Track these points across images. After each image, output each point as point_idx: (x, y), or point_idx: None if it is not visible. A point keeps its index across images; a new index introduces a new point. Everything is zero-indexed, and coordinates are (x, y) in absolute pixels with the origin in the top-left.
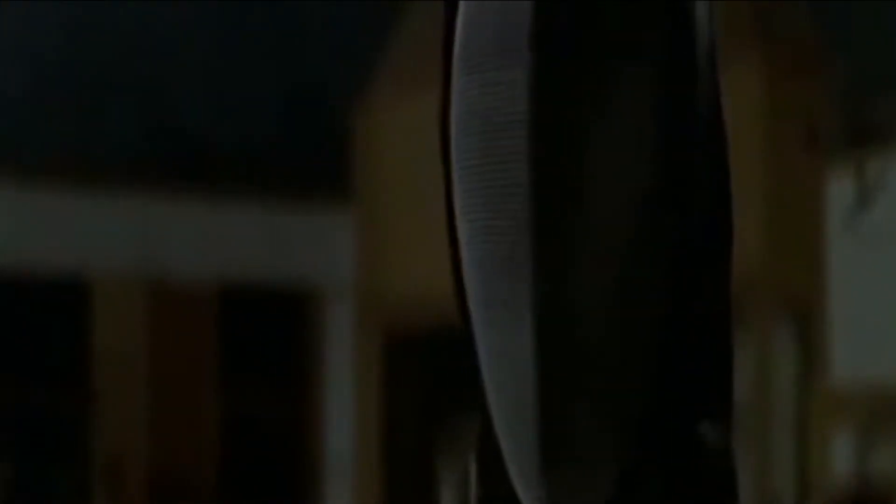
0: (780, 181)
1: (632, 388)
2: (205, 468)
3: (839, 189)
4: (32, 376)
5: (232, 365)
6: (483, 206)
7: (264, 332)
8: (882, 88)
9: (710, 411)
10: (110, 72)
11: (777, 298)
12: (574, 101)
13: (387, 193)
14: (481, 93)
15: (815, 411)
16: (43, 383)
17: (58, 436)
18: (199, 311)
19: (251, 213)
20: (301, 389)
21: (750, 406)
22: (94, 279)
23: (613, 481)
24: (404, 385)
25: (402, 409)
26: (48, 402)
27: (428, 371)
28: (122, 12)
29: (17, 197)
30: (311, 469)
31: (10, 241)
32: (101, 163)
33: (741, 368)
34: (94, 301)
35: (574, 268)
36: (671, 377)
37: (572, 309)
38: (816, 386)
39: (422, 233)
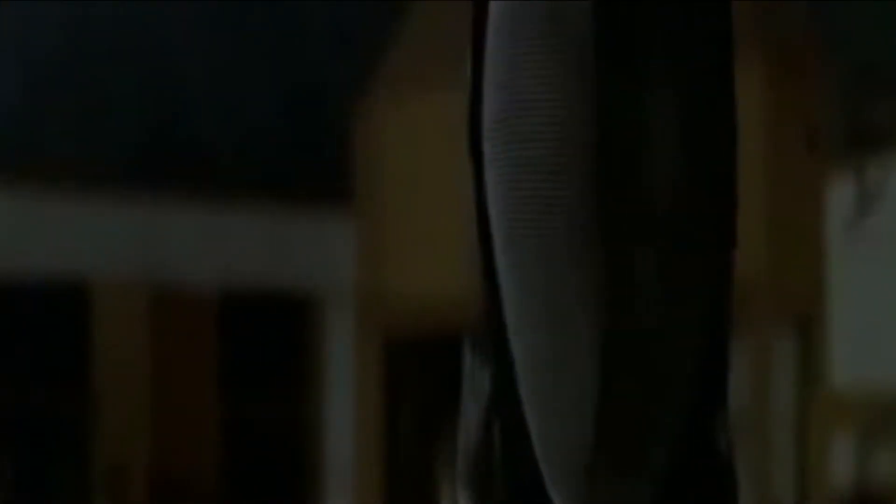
0: (781, 185)
1: (676, 396)
2: (206, 471)
3: (839, 193)
4: (34, 380)
5: (233, 368)
6: (524, 214)
7: (265, 335)
8: (882, 92)
9: (712, 414)
10: (111, 75)
11: (777, 302)
12: (634, 108)
13: (387, 197)
14: (523, 95)
15: (814, 415)
16: (45, 387)
17: (60, 439)
18: (200, 315)
19: (252, 216)
20: (301, 393)
21: (750, 409)
22: (96, 283)
23: (652, 490)
24: (404, 388)
25: (402, 413)
26: (50, 405)
27: (428, 374)
28: (123, 15)
29: (18, 200)
30: (312, 472)
31: (12, 245)
32: (102, 166)
33: (741, 372)
34: (96, 305)
35: (637, 282)
36: (702, 386)
37: (636, 321)
38: (816, 390)
39: (422, 236)
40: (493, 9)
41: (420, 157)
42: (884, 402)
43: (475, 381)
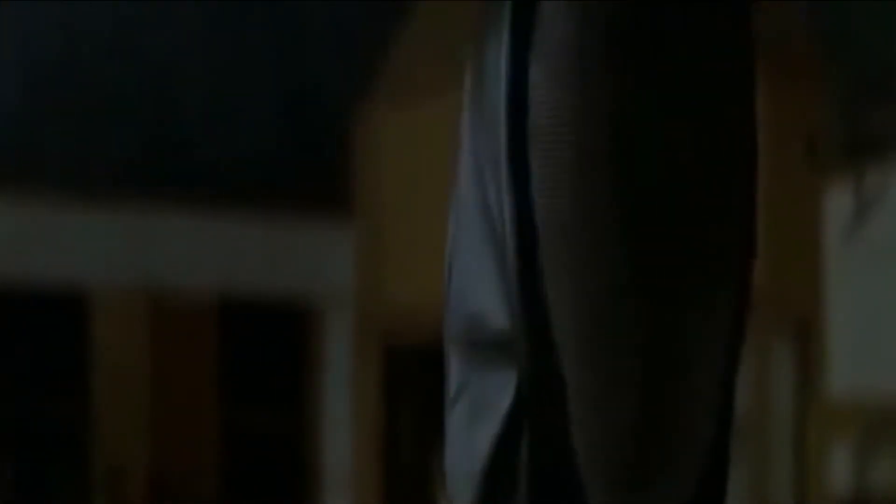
0: (780, 191)
1: (712, 401)
2: (204, 478)
3: (838, 199)
4: (34, 385)
5: (231, 376)
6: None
7: (264, 343)
8: (881, 99)
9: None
10: (109, 82)
11: (776, 308)
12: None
13: (386, 204)
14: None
15: (813, 421)
16: (44, 395)
17: (59, 443)
18: (198, 323)
19: (250, 224)
20: (300, 400)
21: (748, 417)
22: (94, 291)
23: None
24: (403, 396)
25: (400, 420)
26: (50, 410)
27: (427, 382)
28: (121, 22)
29: (17, 209)
30: (310, 479)
31: (10, 253)
32: (100, 174)
33: (740, 378)
34: (94, 313)
35: (673, 283)
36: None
37: (679, 340)
38: (815, 398)
39: (422, 241)
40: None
41: (420, 162)
42: (882, 408)
43: (484, 394)
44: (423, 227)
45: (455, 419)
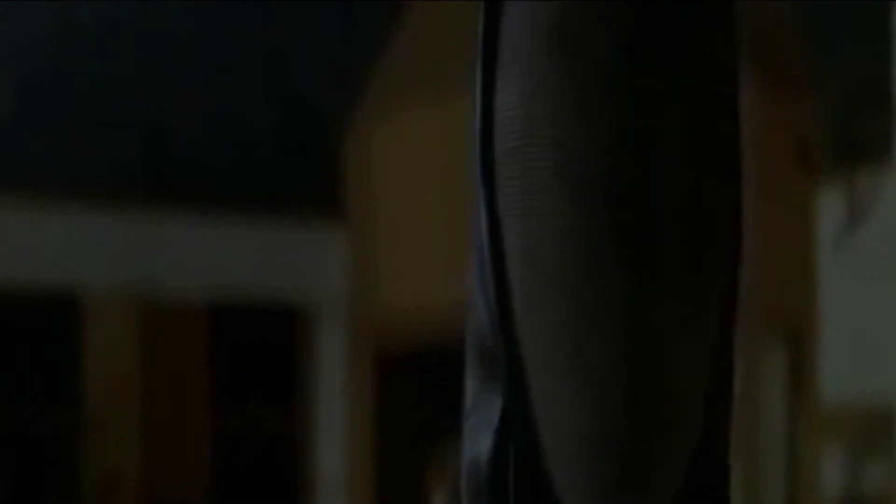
0: (771, 198)
1: (695, 402)
2: (197, 485)
3: (829, 207)
4: (25, 391)
5: (224, 382)
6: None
7: (257, 348)
8: (872, 106)
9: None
10: (102, 87)
11: (767, 315)
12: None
13: (379, 211)
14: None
15: (804, 427)
16: (36, 399)
17: (51, 451)
18: (191, 329)
19: (243, 230)
20: (293, 404)
21: (740, 423)
22: (87, 297)
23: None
24: (396, 402)
25: (394, 426)
26: (41, 417)
27: (421, 388)
28: (116, 32)
29: (10, 213)
30: (304, 485)
31: (3, 257)
32: (93, 181)
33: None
34: (87, 319)
35: (654, 284)
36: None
37: (657, 336)
38: (806, 404)
39: (414, 249)
40: (505, 27)
41: (412, 170)
42: (873, 413)
43: (483, 405)
44: (415, 233)
45: (467, 432)
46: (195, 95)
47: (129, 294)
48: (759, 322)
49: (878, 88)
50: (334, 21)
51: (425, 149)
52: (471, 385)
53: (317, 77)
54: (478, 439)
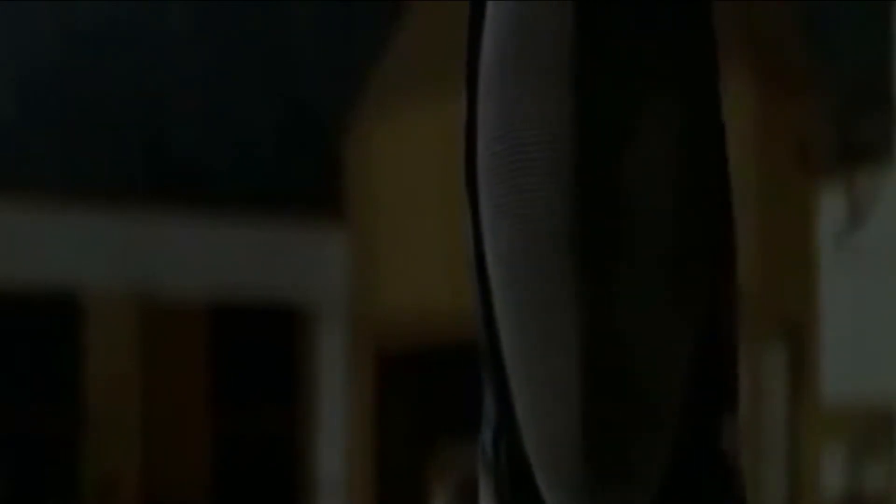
0: (771, 198)
1: (669, 405)
2: (197, 485)
3: (830, 207)
4: (25, 391)
5: (224, 382)
6: (517, 232)
7: (257, 349)
8: (872, 106)
9: (717, 417)
10: (103, 88)
11: (768, 314)
12: (617, 130)
13: (379, 210)
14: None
15: (805, 426)
16: (35, 399)
17: (50, 451)
18: (191, 329)
19: (244, 230)
20: (294, 406)
21: (740, 420)
22: (87, 297)
23: (646, 497)
24: (397, 402)
25: (395, 426)
26: (41, 417)
27: (421, 388)
28: (115, 32)
29: (9, 213)
30: (304, 486)
31: (3, 257)
32: (93, 181)
33: None
34: (87, 319)
35: (616, 287)
36: (697, 391)
37: (617, 333)
38: (807, 403)
39: (415, 249)
40: (492, 10)
41: (412, 169)
42: (874, 416)
43: (485, 404)
44: (415, 233)
45: (483, 430)
46: (195, 95)
47: (129, 294)
48: (760, 322)
49: (879, 88)
50: (335, 21)
51: (426, 149)
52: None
53: (317, 77)
54: (482, 435)
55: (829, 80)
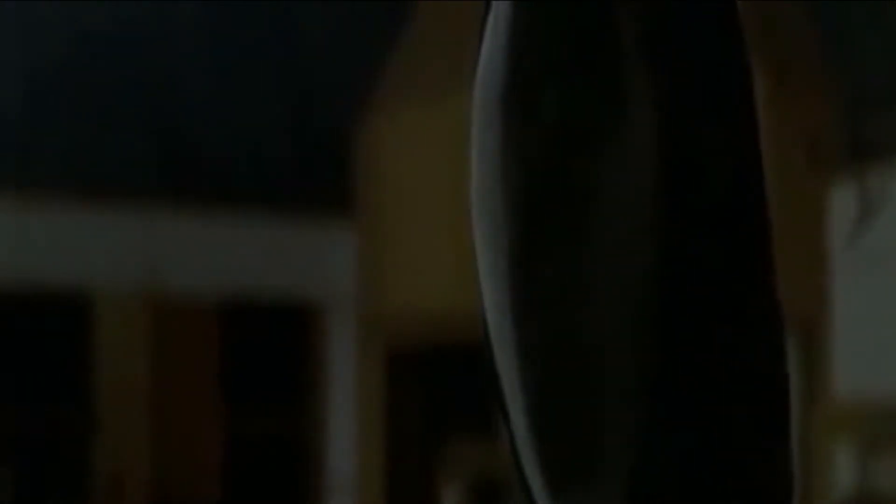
0: (782, 196)
1: (631, 408)
2: (207, 484)
3: (841, 204)
4: (35, 390)
5: (234, 380)
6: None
7: (267, 347)
8: (883, 105)
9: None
10: (113, 87)
11: None
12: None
13: (389, 208)
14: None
15: (816, 427)
16: (45, 397)
17: (60, 450)
18: (201, 327)
19: (254, 228)
20: (303, 403)
21: None
22: (97, 295)
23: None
24: (407, 400)
25: (404, 424)
26: (51, 416)
27: (430, 386)
28: (124, 24)
29: (20, 213)
30: (314, 484)
31: (13, 255)
32: (103, 178)
33: None
34: (97, 317)
35: (576, 297)
36: (675, 392)
37: (577, 341)
38: (818, 401)
39: (424, 248)
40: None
41: (421, 167)
42: (885, 414)
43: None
44: (424, 231)
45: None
46: (206, 95)
47: (139, 293)
48: None
49: (890, 87)
50: (345, 20)
51: (435, 147)
52: None
53: (328, 76)
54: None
55: (841, 79)
